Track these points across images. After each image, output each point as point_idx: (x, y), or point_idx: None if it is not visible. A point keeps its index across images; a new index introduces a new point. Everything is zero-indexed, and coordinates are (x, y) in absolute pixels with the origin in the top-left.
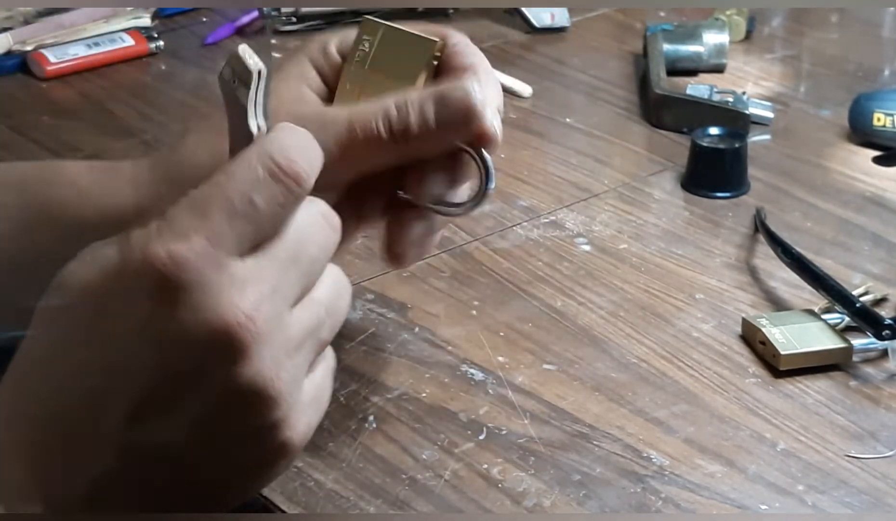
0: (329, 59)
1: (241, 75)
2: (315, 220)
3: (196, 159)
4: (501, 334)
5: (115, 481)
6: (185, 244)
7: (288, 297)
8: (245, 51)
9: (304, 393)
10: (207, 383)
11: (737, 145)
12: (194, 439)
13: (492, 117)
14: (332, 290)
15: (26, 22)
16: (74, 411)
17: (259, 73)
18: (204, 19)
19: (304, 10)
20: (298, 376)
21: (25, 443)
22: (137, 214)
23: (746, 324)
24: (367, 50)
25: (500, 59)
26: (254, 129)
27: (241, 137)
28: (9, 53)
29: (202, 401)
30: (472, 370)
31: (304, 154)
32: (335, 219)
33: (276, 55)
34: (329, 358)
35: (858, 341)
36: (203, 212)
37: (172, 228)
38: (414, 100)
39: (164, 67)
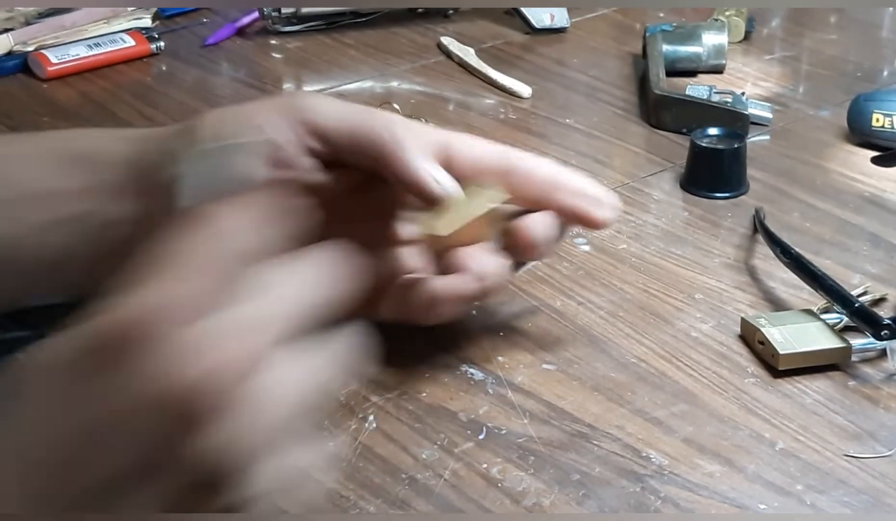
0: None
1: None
2: (301, 269)
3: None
4: (501, 334)
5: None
6: (135, 309)
7: (275, 334)
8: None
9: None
10: (155, 460)
11: (736, 146)
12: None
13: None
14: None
15: (27, 22)
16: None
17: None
18: (204, 20)
19: (304, 10)
20: (266, 450)
21: None
22: (142, 163)
23: (745, 324)
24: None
25: (499, 59)
26: None
27: None
28: (10, 54)
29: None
30: (471, 370)
31: None
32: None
33: (277, 56)
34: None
35: (857, 341)
36: (160, 277)
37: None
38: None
39: (164, 68)
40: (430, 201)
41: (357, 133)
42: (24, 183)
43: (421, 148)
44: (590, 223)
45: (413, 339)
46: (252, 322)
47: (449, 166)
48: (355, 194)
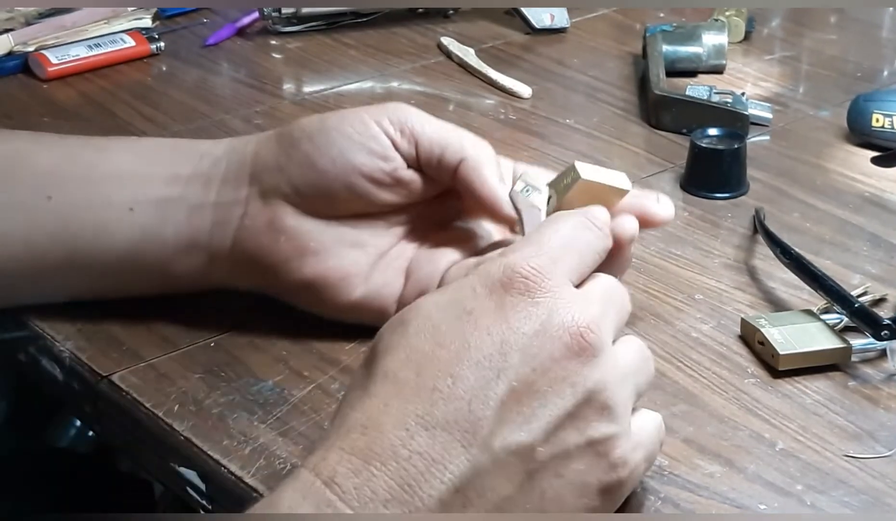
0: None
1: (535, 186)
2: (618, 284)
3: (259, 155)
4: None
5: (466, 486)
6: (537, 260)
7: (611, 330)
8: (536, 172)
9: (633, 430)
10: (564, 382)
11: (736, 146)
12: (548, 442)
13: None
14: (638, 352)
15: (27, 23)
16: (441, 405)
17: (547, 187)
18: (205, 20)
19: (305, 10)
20: (627, 405)
21: (387, 445)
22: (227, 152)
23: (745, 324)
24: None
25: (500, 59)
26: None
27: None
28: (10, 54)
29: (560, 400)
30: None
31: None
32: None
33: (277, 56)
34: (658, 415)
35: (857, 342)
36: (543, 242)
37: (521, 251)
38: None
39: (164, 68)
40: (502, 221)
41: (447, 146)
42: (114, 165)
43: (500, 174)
44: (653, 222)
45: None
46: (603, 302)
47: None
48: (431, 202)
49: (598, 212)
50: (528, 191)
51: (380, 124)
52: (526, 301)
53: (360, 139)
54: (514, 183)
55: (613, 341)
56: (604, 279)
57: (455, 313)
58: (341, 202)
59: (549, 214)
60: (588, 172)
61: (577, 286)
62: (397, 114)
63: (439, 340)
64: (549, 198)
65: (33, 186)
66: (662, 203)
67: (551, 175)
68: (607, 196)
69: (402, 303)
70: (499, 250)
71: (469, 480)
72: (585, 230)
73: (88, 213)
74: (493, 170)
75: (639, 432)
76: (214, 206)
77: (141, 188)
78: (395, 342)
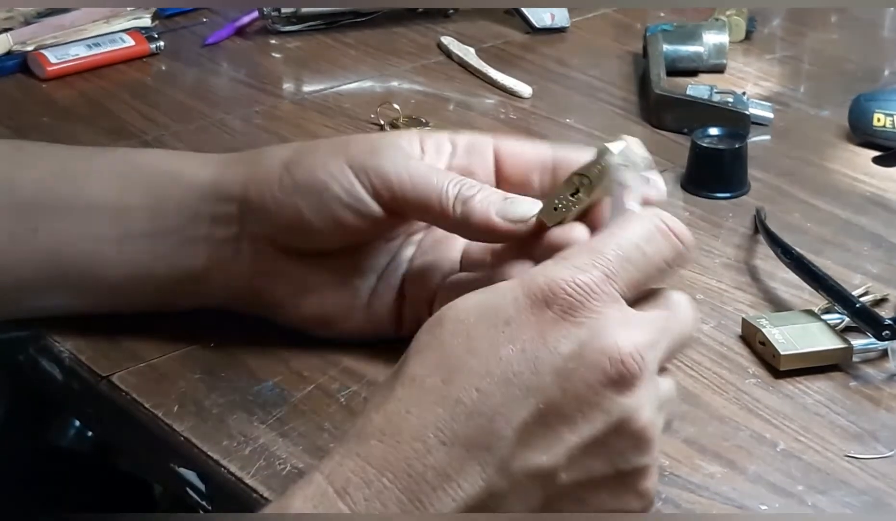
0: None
1: (632, 161)
2: (688, 307)
3: (271, 168)
4: None
5: (478, 505)
6: (587, 275)
7: (659, 359)
8: (637, 143)
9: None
10: (596, 409)
11: (737, 146)
12: (571, 468)
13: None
14: (674, 383)
15: (27, 22)
16: (463, 420)
17: (644, 162)
18: (204, 20)
19: (305, 10)
20: (660, 436)
21: (402, 457)
22: (214, 187)
23: (746, 324)
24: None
25: (500, 59)
26: (630, 203)
27: (618, 208)
28: (9, 54)
29: (589, 426)
30: None
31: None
32: (696, 316)
33: (277, 56)
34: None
35: (858, 342)
36: (599, 252)
37: (573, 262)
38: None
39: (164, 68)
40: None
41: (429, 200)
42: (98, 193)
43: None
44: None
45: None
46: (661, 331)
47: (499, 171)
48: None
49: (673, 219)
50: (620, 166)
51: (363, 184)
52: (567, 320)
53: (347, 201)
54: (596, 158)
55: (661, 371)
56: (667, 300)
57: (492, 321)
58: (335, 244)
59: (579, 208)
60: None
61: (637, 302)
62: (379, 171)
63: (471, 347)
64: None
65: (18, 216)
66: (653, 181)
67: (642, 150)
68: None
69: (404, 316)
70: (551, 260)
71: (482, 500)
72: (656, 239)
73: (77, 247)
74: (483, 198)
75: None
76: (206, 242)
77: (127, 221)
78: (427, 343)
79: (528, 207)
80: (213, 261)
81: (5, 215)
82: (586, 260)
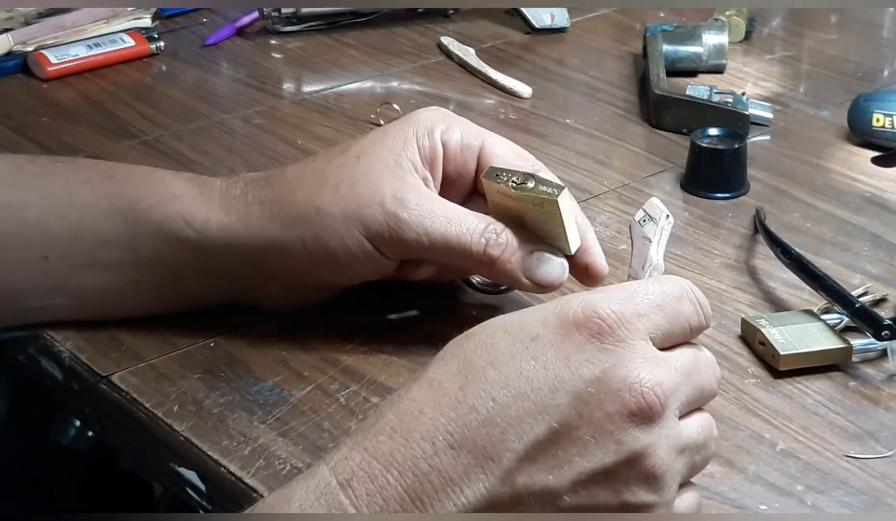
0: (432, 142)
1: (652, 216)
2: (712, 363)
3: (293, 195)
4: None
5: (485, 509)
6: (621, 306)
7: (681, 403)
8: (659, 203)
9: (675, 503)
10: (610, 438)
11: (736, 146)
12: (576, 493)
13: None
14: (706, 430)
15: (27, 22)
16: (475, 427)
17: (667, 218)
18: (204, 20)
19: (305, 10)
20: (676, 478)
21: (409, 455)
22: (223, 229)
23: (746, 324)
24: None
25: (500, 59)
26: (654, 256)
27: (639, 260)
28: (9, 54)
29: (600, 454)
30: None
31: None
32: (718, 374)
33: (277, 56)
34: (697, 492)
35: (858, 342)
36: (634, 292)
37: (609, 293)
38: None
39: (164, 68)
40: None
41: (438, 259)
42: (103, 227)
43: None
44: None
45: (416, 340)
46: (682, 375)
47: (480, 170)
48: None
49: (702, 295)
50: (644, 221)
51: (384, 253)
52: (594, 344)
53: (371, 268)
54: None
55: (684, 416)
56: (694, 352)
57: (518, 336)
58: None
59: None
60: (567, 204)
61: (663, 350)
62: (396, 236)
63: (493, 359)
64: (666, 231)
65: (26, 242)
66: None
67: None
68: (552, 223)
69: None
70: (587, 292)
71: (482, 509)
72: (686, 301)
73: (88, 276)
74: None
75: (679, 505)
76: (202, 287)
77: (130, 254)
78: (452, 353)
79: (559, 274)
80: (213, 291)
81: (12, 242)
82: (622, 295)
